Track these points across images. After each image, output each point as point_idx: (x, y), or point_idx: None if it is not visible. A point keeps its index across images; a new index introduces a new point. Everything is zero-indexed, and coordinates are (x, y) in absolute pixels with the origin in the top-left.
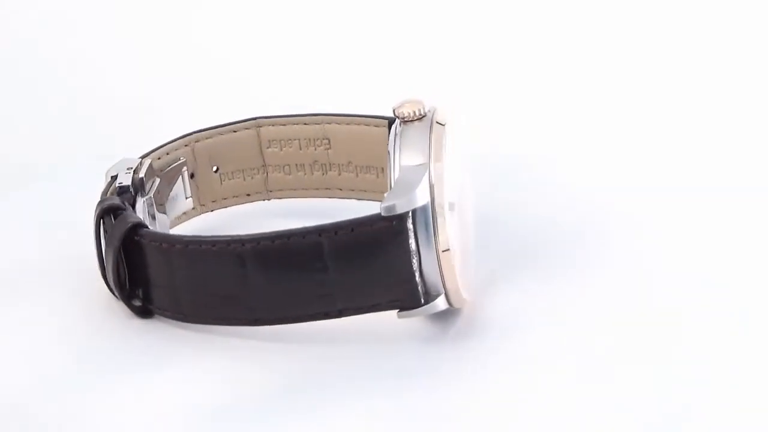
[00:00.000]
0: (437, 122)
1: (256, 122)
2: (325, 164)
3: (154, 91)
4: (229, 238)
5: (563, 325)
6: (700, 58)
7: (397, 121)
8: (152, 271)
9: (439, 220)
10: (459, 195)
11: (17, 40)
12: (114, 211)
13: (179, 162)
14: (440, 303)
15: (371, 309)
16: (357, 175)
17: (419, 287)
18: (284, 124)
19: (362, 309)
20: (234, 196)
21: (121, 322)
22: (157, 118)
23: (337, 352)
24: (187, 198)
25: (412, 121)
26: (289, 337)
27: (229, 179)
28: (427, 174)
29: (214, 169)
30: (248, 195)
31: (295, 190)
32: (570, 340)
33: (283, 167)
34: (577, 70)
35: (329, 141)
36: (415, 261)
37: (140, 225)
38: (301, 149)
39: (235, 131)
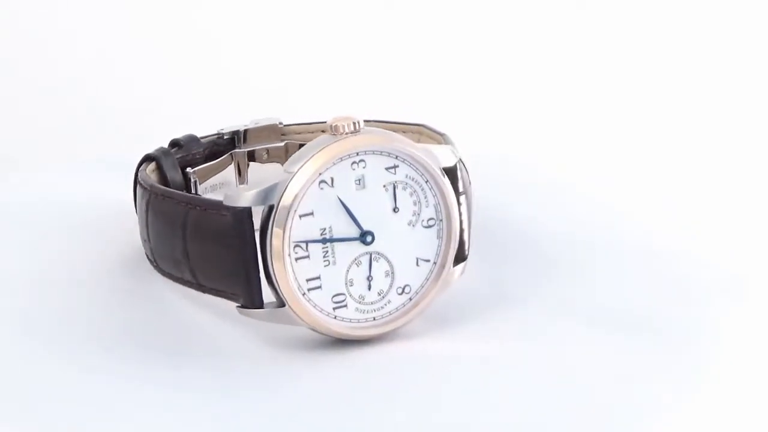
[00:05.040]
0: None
1: (419, 128)
2: None
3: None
4: (149, 183)
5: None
6: (695, 60)
7: None
8: None
9: (276, 230)
10: (394, 224)
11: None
12: (173, 146)
13: None
14: (284, 315)
15: (220, 293)
16: None
17: (257, 289)
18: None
19: (213, 290)
20: None
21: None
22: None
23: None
24: None
25: (344, 134)
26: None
27: None
28: (287, 179)
29: None
30: None
31: None
32: None
33: None
34: (577, 73)
35: None
36: (253, 260)
37: (150, 159)
38: None
39: (404, 132)
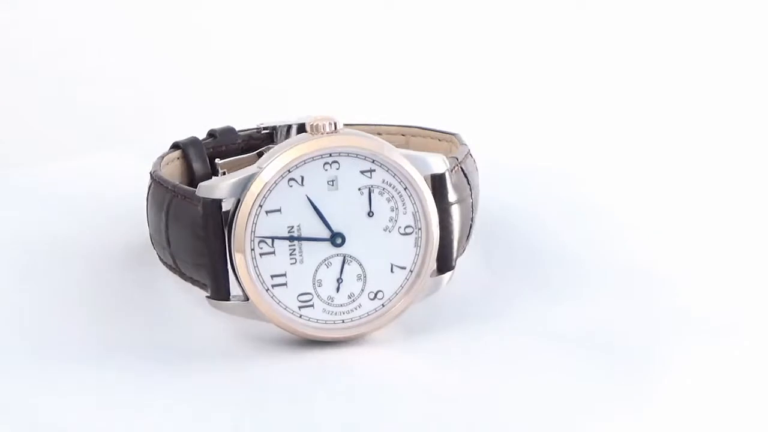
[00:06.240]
0: (326, 132)
1: (451, 137)
2: None
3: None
4: (152, 170)
5: None
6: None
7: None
8: None
9: (239, 223)
10: (368, 229)
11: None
12: (210, 137)
13: None
14: (249, 309)
15: (195, 282)
16: None
17: (223, 280)
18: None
19: (190, 279)
20: None
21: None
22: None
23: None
24: None
25: (322, 134)
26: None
27: None
28: (256, 174)
29: None
30: None
31: None
32: None
33: None
34: (580, 75)
35: None
36: (220, 251)
37: (176, 146)
38: None
39: (439, 140)
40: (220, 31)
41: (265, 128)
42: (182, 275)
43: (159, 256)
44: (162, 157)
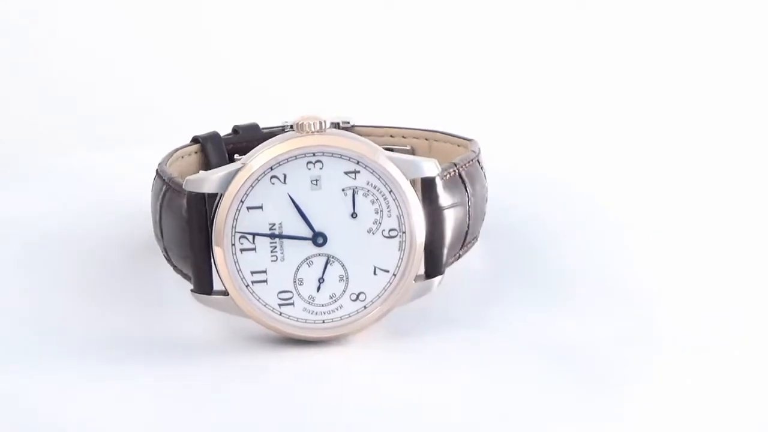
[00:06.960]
0: (313, 132)
1: (466, 142)
2: None
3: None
4: (160, 168)
5: None
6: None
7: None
8: None
9: (219, 218)
10: (351, 229)
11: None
12: (233, 132)
13: (403, 149)
14: (230, 304)
15: (184, 275)
16: None
17: (205, 274)
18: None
19: (180, 271)
20: None
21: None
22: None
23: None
24: None
25: (307, 133)
26: None
27: None
28: (235, 169)
29: None
30: None
31: None
32: None
33: None
34: (586, 78)
35: None
36: (203, 245)
37: (196, 140)
38: None
39: (458, 145)
40: (252, 33)
41: (290, 126)
42: (174, 267)
43: (160, 248)
44: (174, 151)
